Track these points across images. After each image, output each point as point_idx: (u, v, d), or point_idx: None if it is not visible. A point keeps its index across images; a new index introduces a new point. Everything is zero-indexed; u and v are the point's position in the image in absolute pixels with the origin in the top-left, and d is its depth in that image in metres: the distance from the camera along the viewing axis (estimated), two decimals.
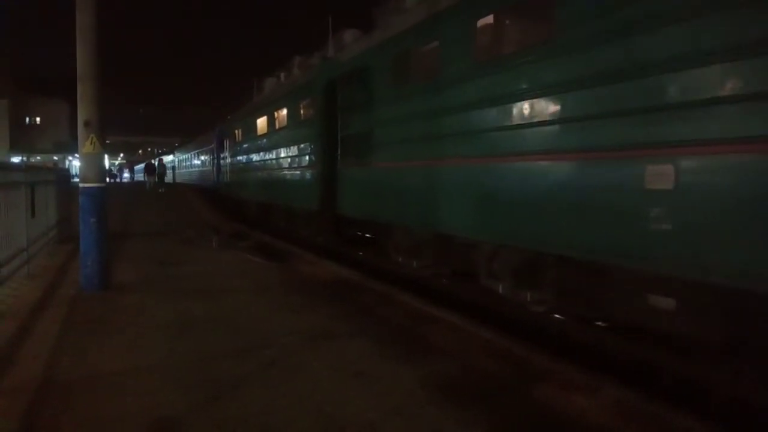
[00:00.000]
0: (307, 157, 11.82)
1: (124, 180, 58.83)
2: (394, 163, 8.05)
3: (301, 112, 12.42)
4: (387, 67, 8.29)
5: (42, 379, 3.99)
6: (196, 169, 35.62)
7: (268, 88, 16.92)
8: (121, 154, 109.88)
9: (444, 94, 6.79)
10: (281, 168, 13.82)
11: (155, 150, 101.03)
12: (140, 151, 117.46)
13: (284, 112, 13.78)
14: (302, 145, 12.11)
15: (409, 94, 7.66)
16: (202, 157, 32.16)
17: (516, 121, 5.60)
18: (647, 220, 4.21)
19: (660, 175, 4.08)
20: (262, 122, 15.97)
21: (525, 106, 5.46)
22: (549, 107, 5.19)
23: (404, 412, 3.52)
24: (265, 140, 15.60)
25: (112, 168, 64.57)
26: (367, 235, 10.27)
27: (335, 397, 3.76)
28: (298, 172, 12.52)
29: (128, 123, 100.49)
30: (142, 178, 41.97)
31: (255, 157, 16.61)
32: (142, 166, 53.95)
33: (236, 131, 19.70)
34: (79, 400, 3.64)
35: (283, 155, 13.69)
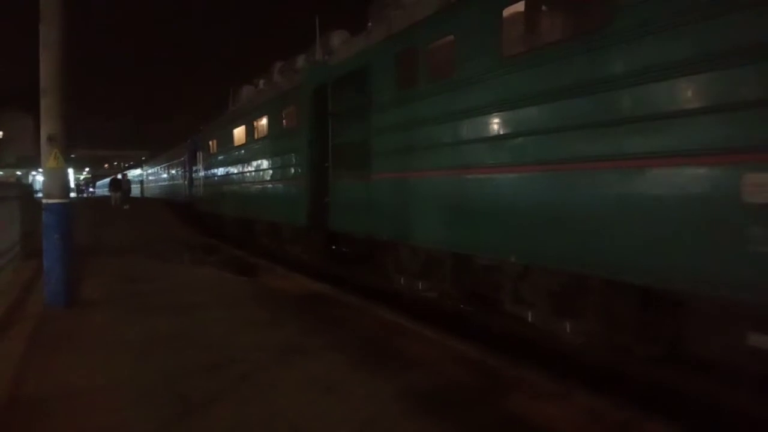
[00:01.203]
0: (292, 169, 11.07)
1: (90, 194, 59.10)
2: (398, 173, 7.31)
3: (286, 120, 11.67)
4: (388, 68, 7.55)
5: (7, 398, 3.91)
6: (167, 183, 34.84)
7: (245, 96, 16.14)
8: (87, 169, 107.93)
9: (462, 95, 6.06)
10: (263, 181, 13.03)
11: (122, 164, 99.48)
12: (106, 165, 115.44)
13: (266, 120, 12.99)
14: (287, 156, 11.37)
15: (418, 97, 6.90)
16: (173, 171, 31.42)
17: (562, 121, 4.81)
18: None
19: None
20: (240, 132, 15.19)
21: (575, 104, 4.69)
22: (616, 104, 4.39)
23: (377, 426, 3.51)
24: (243, 151, 14.80)
25: (80, 182, 64.67)
26: (363, 254, 9.37)
27: (308, 412, 3.72)
28: (282, 185, 11.73)
29: (95, 136, 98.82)
30: (107, 193, 41.52)
31: (233, 169, 15.82)
32: (106, 180, 54.00)
33: (211, 142, 18.92)
34: (46, 418, 3.58)
35: (265, 167, 12.92)
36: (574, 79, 4.70)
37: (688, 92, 3.90)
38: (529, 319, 5.78)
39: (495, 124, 5.65)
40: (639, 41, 4.18)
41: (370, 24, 8.95)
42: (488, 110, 5.71)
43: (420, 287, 7.71)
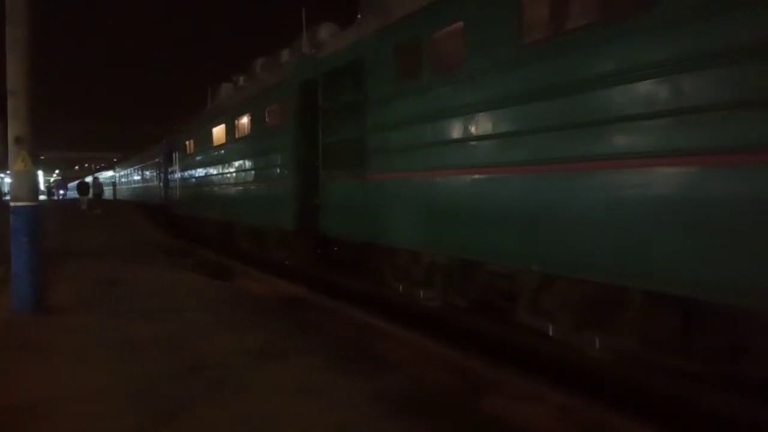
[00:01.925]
0: (278, 169, 10.42)
1: (60, 197, 57.82)
2: (398, 173, 6.77)
3: (270, 117, 11.01)
4: (386, 60, 6.98)
5: None
6: (140, 185, 34.02)
7: (224, 94, 15.45)
8: (57, 171, 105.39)
9: (474, 88, 5.53)
10: (245, 182, 12.35)
11: (93, 166, 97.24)
12: (77, 167, 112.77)
13: (248, 118, 12.29)
14: (272, 155, 10.70)
15: (421, 91, 6.34)
16: (147, 172, 30.56)
17: (599, 113, 4.30)
18: None
19: None
20: (219, 131, 14.47)
21: (614, 94, 4.16)
22: (660, 95, 3.88)
23: (353, 429, 3.50)
24: (223, 151, 14.10)
25: (50, 185, 63.29)
26: (356, 259, 8.74)
27: (283, 416, 3.69)
28: (266, 186, 11.06)
29: (65, 137, 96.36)
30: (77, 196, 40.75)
31: (212, 170, 15.09)
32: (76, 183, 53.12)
33: (188, 143, 18.15)
34: (16, 429, 3.49)
35: (247, 167, 12.24)
36: (613, 66, 4.22)
37: None
38: (549, 333, 5.30)
39: (513, 119, 5.12)
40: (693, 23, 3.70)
41: (359, 16, 8.44)
42: (505, 104, 5.18)
43: (421, 296, 7.18)
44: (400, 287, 7.57)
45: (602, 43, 4.29)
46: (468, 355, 4.98)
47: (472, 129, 5.61)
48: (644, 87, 3.99)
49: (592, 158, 4.37)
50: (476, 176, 5.56)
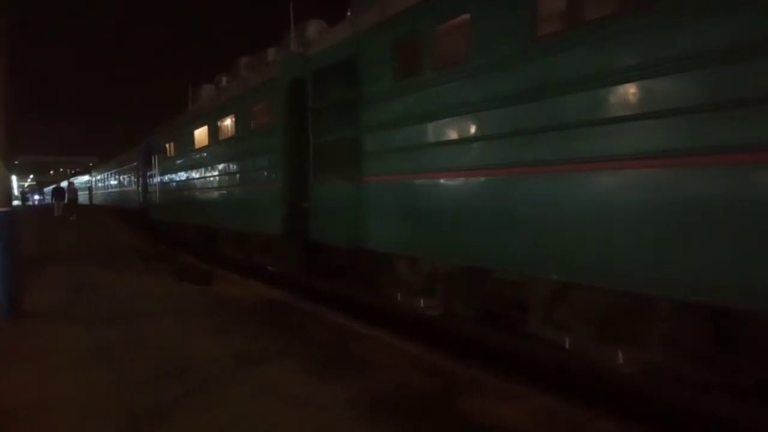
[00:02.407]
0: (264, 172, 9.95)
1: (35, 203, 56.73)
2: (397, 175, 6.38)
3: (256, 118, 10.55)
4: (383, 56, 6.59)
5: None
6: (118, 189, 33.26)
7: (206, 95, 14.92)
8: (31, 176, 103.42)
9: (482, 84, 5.15)
10: (229, 185, 11.87)
11: (68, 171, 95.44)
12: (51, 172, 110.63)
13: (232, 119, 11.81)
14: (258, 157, 10.23)
15: (422, 88, 5.96)
16: (125, 176, 29.83)
17: (626, 109, 3.97)
18: None
19: None
20: (201, 134, 13.96)
21: (654, 87, 3.81)
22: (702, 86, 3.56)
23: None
24: (206, 154, 13.57)
25: (24, 190, 61.94)
26: (348, 266, 8.37)
27: (263, 421, 3.70)
28: (252, 190, 10.58)
29: (40, 141, 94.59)
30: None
31: (193, 174, 14.53)
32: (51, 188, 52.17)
33: (168, 145, 17.55)
34: None
35: (231, 170, 11.75)
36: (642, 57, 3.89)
37: None
38: (566, 345, 4.95)
39: (527, 116, 4.75)
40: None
41: (349, 13, 8.07)
42: (517, 100, 4.82)
43: (422, 305, 6.79)
44: (398, 295, 7.17)
45: (623, 33, 3.95)
46: (450, 358, 5.02)
47: (484, 127, 5.23)
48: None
49: (619, 158, 4.03)
50: (489, 178, 5.18)
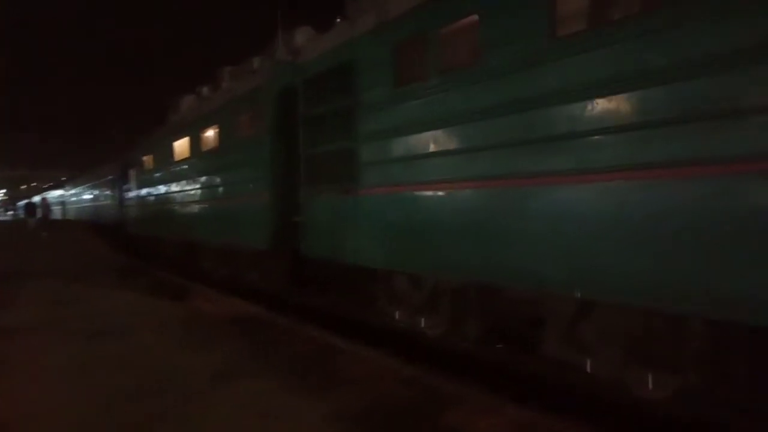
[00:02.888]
0: (251, 184, 9.51)
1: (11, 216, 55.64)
2: (399, 187, 6.02)
3: (242, 128, 10.15)
4: (383, 61, 6.24)
5: None
6: (93, 203, 32.51)
7: (187, 107, 14.45)
8: (3, 190, 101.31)
9: (497, 88, 4.83)
10: (213, 198, 11.41)
11: (42, 185, 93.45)
12: (24, 186, 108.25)
13: (215, 130, 11.40)
14: (244, 169, 9.81)
15: (427, 93, 5.61)
16: (101, 190, 29.19)
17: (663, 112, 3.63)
18: None
19: None
20: (182, 146, 13.50)
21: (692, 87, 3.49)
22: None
23: None
24: (187, 167, 13.10)
25: None
26: (342, 282, 7.96)
27: None
28: (237, 203, 10.13)
29: (12, 155, 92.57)
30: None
31: (174, 187, 14.05)
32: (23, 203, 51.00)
33: (146, 158, 17.03)
34: None
35: (215, 183, 11.31)
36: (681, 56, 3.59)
37: None
38: (588, 369, 4.60)
39: (548, 121, 4.42)
40: None
41: (338, 19, 7.75)
42: (537, 104, 4.49)
43: (423, 324, 6.41)
44: (397, 314, 6.79)
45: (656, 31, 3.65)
46: (428, 372, 5.01)
47: (495, 135, 4.90)
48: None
49: (649, 166, 3.72)
50: (505, 188, 4.82)
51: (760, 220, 3.19)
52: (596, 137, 4.07)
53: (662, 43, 3.65)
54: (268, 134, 8.91)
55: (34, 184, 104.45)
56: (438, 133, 5.56)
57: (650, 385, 4.16)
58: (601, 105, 4.03)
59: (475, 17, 5.06)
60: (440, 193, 5.57)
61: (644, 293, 3.79)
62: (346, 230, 7.02)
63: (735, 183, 3.31)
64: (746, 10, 3.26)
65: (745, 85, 3.26)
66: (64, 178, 63.32)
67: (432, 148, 5.63)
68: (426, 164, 5.70)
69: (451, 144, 5.40)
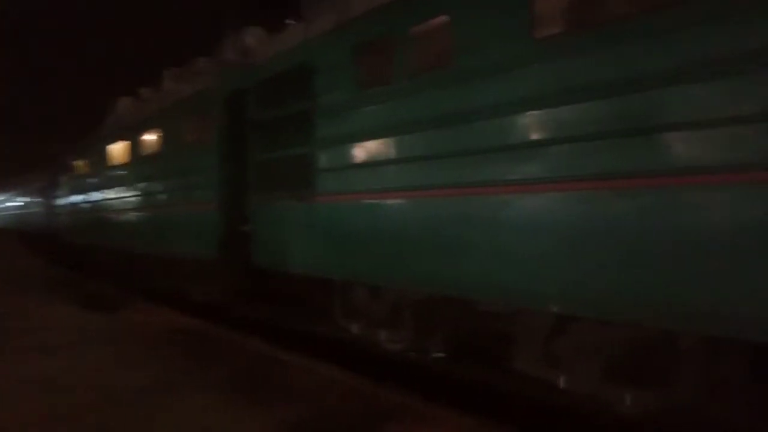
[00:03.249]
0: (198, 191, 9.00)
1: None
2: (360, 195, 5.70)
3: (187, 132, 9.60)
4: (343, 63, 5.91)
5: None
6: (21, 211, 30.93)
7: (125, 109, 13.73)
8: None
9: (468, 93, 4.58)
10: (155, 206, 10.79)
11: None
12: None
13: (157, 134, 10.79)
14: (190, 176, 9.26)
15: (392, 97, 5.33)
16: (30, 197, 27.75)
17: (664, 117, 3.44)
18: None
19: None
20: (120, 150, 12.79)
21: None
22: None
23: None
24: (126, 172, 12.42)
25: None
26: (296, 294, 7.49)
27: None
28: (183, 211, 9.57)
29: None
30: None
31: (111, 193, 13.29)
32: None
33: (81, 163, 16.18)
34: None
35: (157, 190, 10.69)
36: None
37: None
38: (561, 385, 4.42)
39: (524, 127, 4.22)
40: None
41: (289, 21, 7.49)
42: (514, 109, 4.28)
43: (383, 338, 6.12)
44: (354, 327, 6.48)
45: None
46: (373, 383, 4.96)
47: (466, 141, 4.66)
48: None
49: (634, 174, 3.55)
50: (474, 197, 4.59)
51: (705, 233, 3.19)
52: (572, 144, 3.89)
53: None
54: (216, 138, 8.47)
55: None
56: (402, 139, 5.29)
57: (629, 402, 4.00)
58: (580, 110, 3.85)
59: (445, 17, 4.82)
60: (405, 202, 5.30)
61: (604, 306, 3.76)
62: (300, 239, 6.67)
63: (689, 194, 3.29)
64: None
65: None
66: None
67: (395, 154, 5.36)
68: (389, 171, 5.42)
69: (417, 150, 5.14)
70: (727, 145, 3.12)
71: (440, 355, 5.65)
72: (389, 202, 5.44)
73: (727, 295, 3.14)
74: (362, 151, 5.74)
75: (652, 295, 3.46)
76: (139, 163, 11.73)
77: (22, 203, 30.29)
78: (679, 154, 3.33)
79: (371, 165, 5.64)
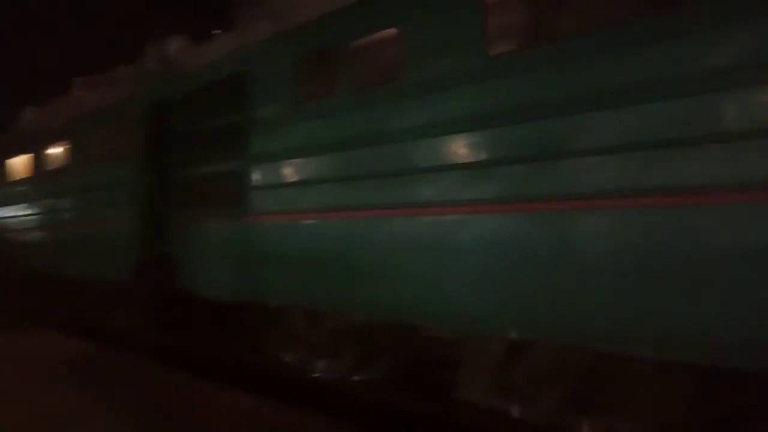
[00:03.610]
0: (113, 209, 8.28)
1: None
2: (297, 215, 5.35)
3: (102, 145, 8.89)
4: (282, 75, 5.58)
5: None
6: None
7: (31, 120, 12.60)
8: None
9: (418, 108, 4.39)
10: (61, 225, 9.92)
11: None
12: None
13: (67, 147, 9.98)
14: (103, 192, 8.56)
15: (338, 111, 5.05)
16: None
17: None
18: None
19: None
20: (23, 164, 11.83)
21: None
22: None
23: None
24: (27, 188, 11.49)
25: None
26: (224, 321, 7.05)
27: None
28: (95, 230, 8.79)
29: None
30: None
31: (12, 212, 12.15)
32: None
33: None
34: None
35: (65, 207, 9.83)
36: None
37: None
38: (515, 414, 4.22)
39: (477, 145, 4.05)
40: None
41: (216, 31, 7.18)
42: (464, 126, 4.10)
43: (319, 367, 5.75)
44: (289, 356, 6.07)
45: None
46: (302, 413, 4.88)
47: (415, 159, 4.43)
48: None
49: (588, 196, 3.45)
50: (428, 218, 4.35)
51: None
52: (524, 164, 3.75)
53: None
54: (134, 152, 7.85)
55: None
56: (344, 156, 5.01)
57: (586, 430, 3.86)
58: (536, 128, 3.73)
59: (394, 30, 4.61)
60: (344, 222, 5.00)
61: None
62: (229, 262, 6.19)
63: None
64: None
65: None
66: None
67: (336, 172, 5.08)
68: (329, 190, 5.12)
69: (357, 169, 4.89)
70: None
71: (379, 383, 5.36)
72: (327, 222, 5.13)
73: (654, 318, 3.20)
74: (300, 168, 5.42)
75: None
76: (47, 178, 10.78)
77: None
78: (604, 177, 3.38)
79: (309, 183, 5.32)
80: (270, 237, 5.74)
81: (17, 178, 12.10)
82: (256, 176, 5.86)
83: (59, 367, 6.55)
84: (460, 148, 4.15)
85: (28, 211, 11.29)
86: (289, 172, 5.54)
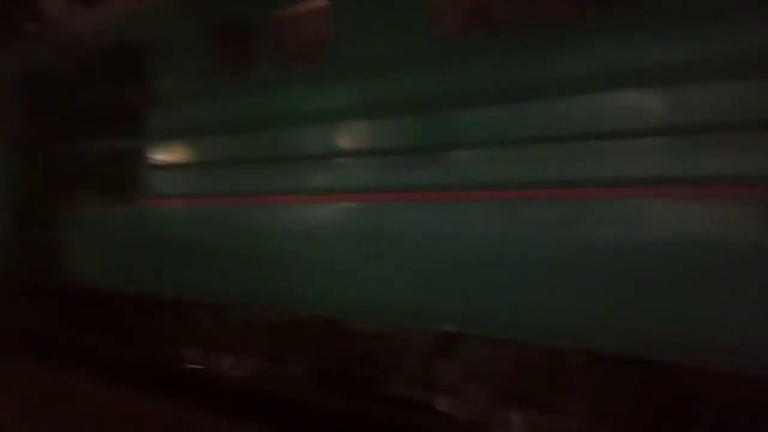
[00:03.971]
0: None
1: None
2: (206, 198, 4.92)
3: None
4: (193, 45, 5.04)
5: None
6: None
7: None
8: None
9: (345, 88, 4.14)
10: None
11: None
12: None
13: None
14: None
15: (255, 86, 4.66)
16: None
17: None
18: None
19: None
20: None
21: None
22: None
23: None
24: None
25: None
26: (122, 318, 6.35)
27: None
28: None
29: None
30: None
31: None
32: None
33: None
34: None
35: None
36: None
37: None
38: (445, 408, 4.12)
39: (412, 129, 3.85)
40: None
41: None
42: (400, 109, 3.89)
43: (229, 364, 5.36)
44: (192, 353, 5.61)
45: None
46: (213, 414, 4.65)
47: (337, 142, 4.19)
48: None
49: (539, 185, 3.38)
50: (347, 204, 4.13)
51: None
52: (471, 151, 3.64)
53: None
54: (4, 125, 7.02)
55: None
56: (256, 136, 4.66)
57: (517, 424, 3.82)
58: (485, 113, 3.61)
59: (323, 3, 4.30)
60: (257, 208, 4.66)
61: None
62: (124, 251, 5.60)
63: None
64: None
65: None
66: None
67: (246, 153, 4.72)
68: (237, 172, 4.76)
69: (271, 150, 4.57)
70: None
71: (297, 379, 5.07)
72: (236, 207, 4.78)
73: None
74: (206, 148, 4.99)
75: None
76: None
77: None
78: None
79: (215, 165, 4.92)
80: (171, 223, 5.25)
81: None
82: (156, 155, 5.32)
83: None
84: (391, 131, 3.95)
85: None
86: (193, 151, 5.10)
